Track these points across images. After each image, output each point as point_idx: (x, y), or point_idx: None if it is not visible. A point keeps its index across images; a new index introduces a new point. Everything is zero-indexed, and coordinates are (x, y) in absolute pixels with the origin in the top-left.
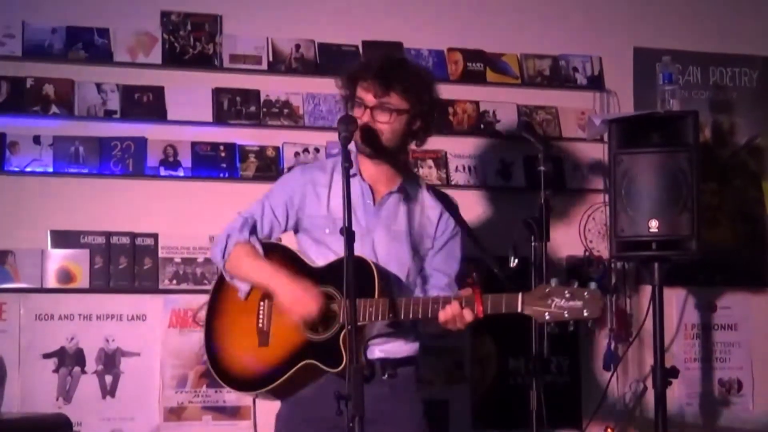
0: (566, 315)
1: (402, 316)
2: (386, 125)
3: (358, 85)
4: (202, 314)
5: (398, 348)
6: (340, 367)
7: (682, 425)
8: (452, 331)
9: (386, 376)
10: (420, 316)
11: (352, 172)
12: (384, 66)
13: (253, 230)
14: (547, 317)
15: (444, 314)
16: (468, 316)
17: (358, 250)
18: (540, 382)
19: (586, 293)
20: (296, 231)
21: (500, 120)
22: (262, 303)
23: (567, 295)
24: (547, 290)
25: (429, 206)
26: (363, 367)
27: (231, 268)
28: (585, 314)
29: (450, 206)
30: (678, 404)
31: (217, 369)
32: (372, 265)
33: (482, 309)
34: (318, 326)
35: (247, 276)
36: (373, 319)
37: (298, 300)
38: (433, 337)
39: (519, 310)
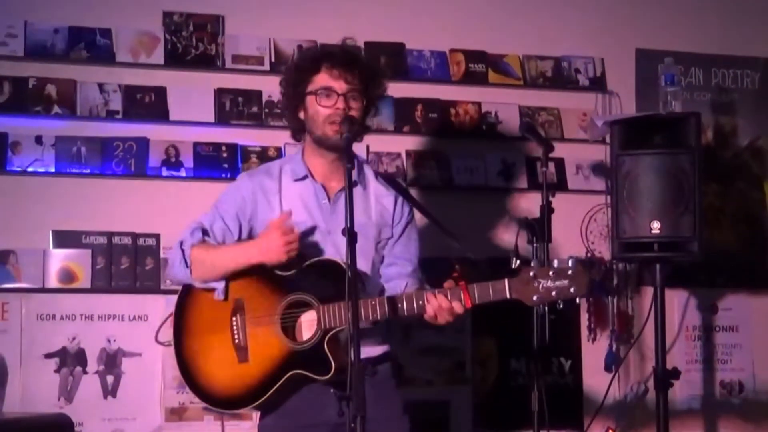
0: (554, 294)
1: (388, 315)
2: (357, 112)
3: (319, 74)
4: (166, 334)
5: (374, 348)
6: (330, 374)
7: (684, 427)
8: (441, 324)
9: (367, 373)
10: (406, 313)
11: (301, 174)
12: (350, 53)
13: (205, 234)
14: (535, 299)
15: (431, 308)
16: (457, 307)
17: (322, 252)
18: (541, 382)
19: (570, 271)
20: (250, 238)
21: (502, 121)
22: (234, 318)
23: (552, 275)
24: (532, 273)
25: (383, 194)
26: (364, 367)
27: (198, 273)
28: (572, 291)
29: (400, 189)
30: (679, 406)
31: (198, 390)
32: (346, 267)
33: (470, 300)
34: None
35: (217, 269)
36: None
37: (273, 247)
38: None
39: (507, 296)
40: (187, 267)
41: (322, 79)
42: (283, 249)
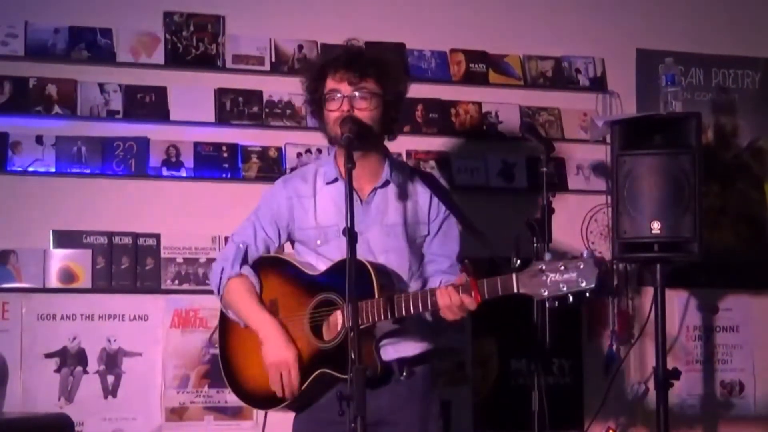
0: (563, 288)
1: (402, 313)
2: (366, 112)
3: (326, 79)
4: (216, 336)
5: (411, 347)
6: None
7: (684, 427)
8: (451, 322)
9: (404, 375)
10: (420, 309)
11: (332, 177)
12: (352, 54)
13: (245, 259)
14: (544, 293)
15: (443, 301)
16: (467, 301)
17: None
18: (542, 383)
19: (580, 263)
20: (292, 241)
21: (503, 121)
22: None
23: (561, 268)
24: (541, 267)
25: (418, 192)
26: (366, 368)
27: (226, 303)
28: (582, 285)
29: (439, 189)
30: (679, 406)
31: (237, 389)
32: (367, 265)
33: (479, 294)
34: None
35: (238, 316)
36: (374, 319)
37: (276, 360)
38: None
39: (515, 290)
40: (219, 293)
41: (329, 84)
42: (284, 364)
